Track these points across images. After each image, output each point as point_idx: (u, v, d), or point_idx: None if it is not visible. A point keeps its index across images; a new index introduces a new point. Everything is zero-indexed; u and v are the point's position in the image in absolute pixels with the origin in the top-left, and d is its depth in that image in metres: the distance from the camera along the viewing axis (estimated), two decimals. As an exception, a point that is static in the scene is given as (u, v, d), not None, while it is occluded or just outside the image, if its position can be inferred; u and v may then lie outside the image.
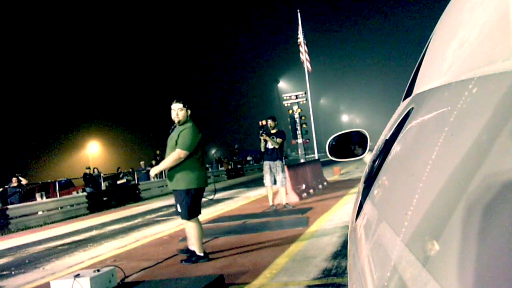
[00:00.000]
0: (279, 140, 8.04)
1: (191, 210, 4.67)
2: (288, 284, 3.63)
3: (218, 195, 14.83)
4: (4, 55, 34.00)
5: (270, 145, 8.07)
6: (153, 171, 4.97)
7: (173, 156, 4.61)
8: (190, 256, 4.76)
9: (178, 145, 4.63)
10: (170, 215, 10.41)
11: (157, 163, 21.48)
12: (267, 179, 8.16)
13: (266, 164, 8.17)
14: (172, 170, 4.69)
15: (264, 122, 8.26)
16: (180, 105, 4.74)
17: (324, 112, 76.15)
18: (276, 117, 8.40)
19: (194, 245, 4.75)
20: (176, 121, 4.75)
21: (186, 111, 4.76)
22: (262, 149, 8.13)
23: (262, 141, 8.04)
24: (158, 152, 22.18)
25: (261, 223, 7.01)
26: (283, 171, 8.14)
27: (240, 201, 11.73)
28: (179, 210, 4.66)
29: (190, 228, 4.73)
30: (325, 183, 12.21)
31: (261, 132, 8.10)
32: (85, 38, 43.12)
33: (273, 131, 8.12)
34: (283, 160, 8.29)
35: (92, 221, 11.60)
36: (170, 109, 4.86)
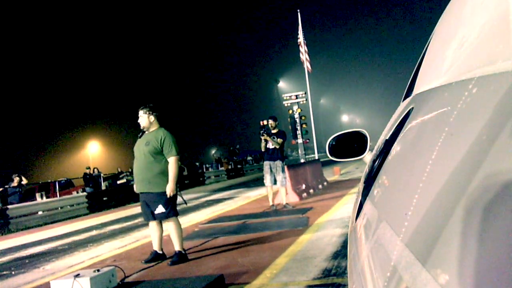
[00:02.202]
0: (279, 140, 8.04)
1: (175, 208, 4.96)
2: (288, 284, 3.63)
3: (218, 195, 14.84)
4: (4, 55, 34.00)
5: (270, 145, 8.08)
6: (171, 190, 4.82)
7: (175, 166, 4.87)
8: (178, 256, 4.89)
9: (169, 153, 4.87)
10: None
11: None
12: (267, 179, 8.16)
13: (267, 164, 8.18)
14: (148, 173, 4.84)
15: (265, 122, 8.28)
16: (141, 112, 4.96)
17: (324, 112, 76.20)
18: (276, 117, 8.40)
19: (177, 243, 4.90)
20: (143, 127, 4.99)
21: (149, 117, 4.94)
22: (263, 149, 8.13)
23: (263, 141, 8.04)
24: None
25: (261, 223, 7.00)
26: (283, 171, 8.14)
27: (240, 201, 11.72)
28: (163, 210, 4.81)
29: (175, 227, 4.90)
30: (325, 183, 12.21)
31: (262, 132, 8.10)
32: (85, 38, 43.12)
33: (274, 131, 8.13)
34: (284, 160, 8.30)
35: (92, 221, 11.59)
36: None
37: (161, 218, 4.88)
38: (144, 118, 4.93)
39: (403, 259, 0.50)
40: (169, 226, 4.91)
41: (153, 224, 5.04)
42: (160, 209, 4.81)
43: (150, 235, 7.38)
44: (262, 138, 8.03)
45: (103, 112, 42.48)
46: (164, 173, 4.85)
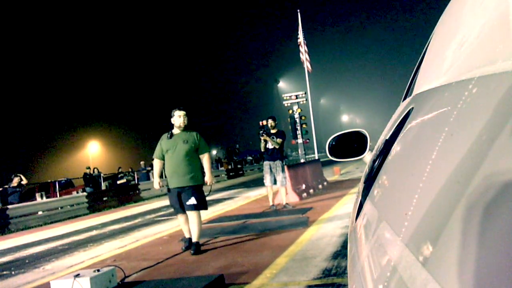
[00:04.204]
0: (279, 140, 8.05)
1: (206, 201, 5.49)
2: (288, 284, 3.63)
3: (218, 195, 14.83)
4: (4, 55, 33.99)
5: (270, 145, 8.08)
6: (211, 180, 5.54)
7: (209, 160, 5.56)
8: (197, 247, 5.28)
9: (204, 150, 5.48)
10: (170, 215, 10.40)
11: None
12: (267, 179, 8.16)
13: (266, 164, 8.17)
14: (188, 169, 5.31)
15: (264, 122, 8.28)
16: (183, 112, 5.41)
17: (324, 112, 76.20)
18: (276, 117, 8.40)
19: (196, 235, 5.29)
20: (182, 126, 5.39)
21: (186, 117, 5.44)
22: (262, 149, 8.13)
23: (262, 141, 8.04)
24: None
25: (261, 223, 7.00)
26: (283, 171, 8.15)
27: (240, 201, 11.72)
28: (195, 202, 5.26)
29: (199, 219, 5.34)
30: (325, 183, 12.21)
31: (261, 132, 8.09)
32: (85, 39, 43.11)
33: (273, 131, 8.13)
34: (283, 160, 8.30)
35: (92, 221, 11.60)
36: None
37: (193, 209, 5.27)
38: (186, 119, 5.40)
39: (403, 259, 0.50)
40: (194, 218, 5.28)
41: (183, 216, 5.42)
42: (192, 200, 5.26)
43: (150, 235, 7.40)
44: (262, 138, 8.03)
45: (103, 112, 42.49)
46: (200, 168, 5.46)
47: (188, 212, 5.32)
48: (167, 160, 5.38)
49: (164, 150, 5.39)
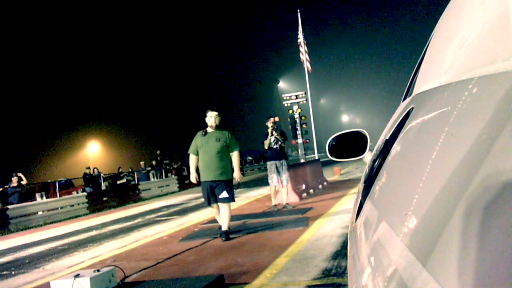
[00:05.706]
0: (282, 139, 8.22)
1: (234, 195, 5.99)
2: (288, 284, 3.63)
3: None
4: (4, 55, 34.00)
5: (273, 145, 8.10)
6: (238, 176, 6.01)
7: (239, 157, 5.99)
8: (227, 234, 5.81)
9: (234, 148, 5.93)
10: (170, 215, 10.41)
11: (158, 163, 21.53)
12: (274, 179, 8.17)
13: (272, 164, 8.18)
14: (220, 165, 5.78)
15: (277, 119, 8.32)
16: (216, 113, 5.88)
17: (324, 112, 76.20)
18: (277, 117, 8.46)
19: (226, 224, 5.82)
20: (213, 126, 5.86)
21: (219, 117, 5.91)
22: (266, 147, 8.14)
23: (269, 138, 8.05)
24: (158, 152, 22.19)
25: (261, 223, 7.01)
26: (287, 170, 8.25)
27: (240, 201, 11.71)
28: (227, 195, 5.77)
29: (229, 210, 5.86)
30: (325, 183, 12.21)
31: (276, 128, 8.11)
32: (85, 38, 43.13)
33: (273, 131, 8.18)
34: (286, 159, 8.37)
35: (92, 221, 11.59)
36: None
37: (225, 202, 5.78)
38: (218, 119, 5.86)
39: (403, 259, 0.50)
40: (226, 209, 5.80)
41: (215, 207, 5.89)
42: (225, 194, 5.77)
43: (150, 235, 7.40)
44: (275, 134, 8.04)
45: (103, 112, 42.49)
46: (230, 164, 5.93)
47: (220, 204, 5.82)
48: (200, 156, 5.86)
49: (198, 147, 5.86)
